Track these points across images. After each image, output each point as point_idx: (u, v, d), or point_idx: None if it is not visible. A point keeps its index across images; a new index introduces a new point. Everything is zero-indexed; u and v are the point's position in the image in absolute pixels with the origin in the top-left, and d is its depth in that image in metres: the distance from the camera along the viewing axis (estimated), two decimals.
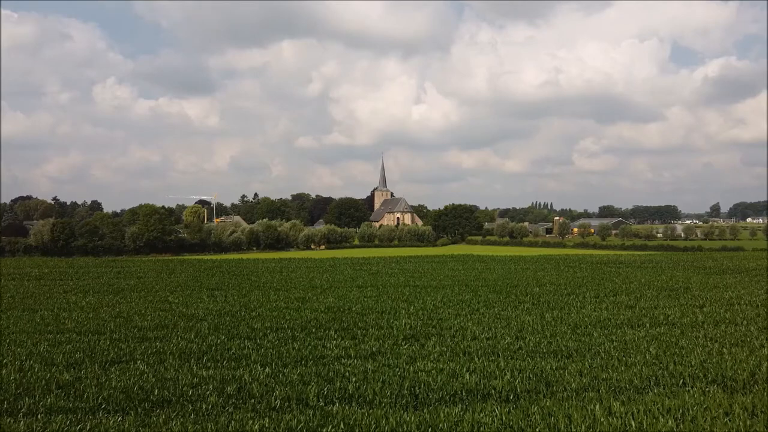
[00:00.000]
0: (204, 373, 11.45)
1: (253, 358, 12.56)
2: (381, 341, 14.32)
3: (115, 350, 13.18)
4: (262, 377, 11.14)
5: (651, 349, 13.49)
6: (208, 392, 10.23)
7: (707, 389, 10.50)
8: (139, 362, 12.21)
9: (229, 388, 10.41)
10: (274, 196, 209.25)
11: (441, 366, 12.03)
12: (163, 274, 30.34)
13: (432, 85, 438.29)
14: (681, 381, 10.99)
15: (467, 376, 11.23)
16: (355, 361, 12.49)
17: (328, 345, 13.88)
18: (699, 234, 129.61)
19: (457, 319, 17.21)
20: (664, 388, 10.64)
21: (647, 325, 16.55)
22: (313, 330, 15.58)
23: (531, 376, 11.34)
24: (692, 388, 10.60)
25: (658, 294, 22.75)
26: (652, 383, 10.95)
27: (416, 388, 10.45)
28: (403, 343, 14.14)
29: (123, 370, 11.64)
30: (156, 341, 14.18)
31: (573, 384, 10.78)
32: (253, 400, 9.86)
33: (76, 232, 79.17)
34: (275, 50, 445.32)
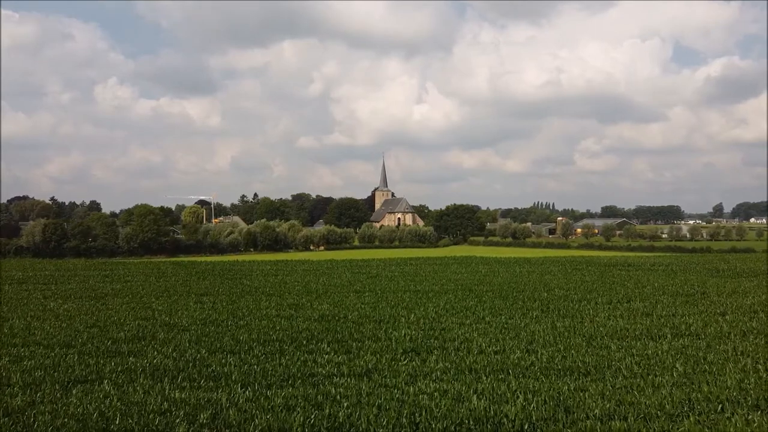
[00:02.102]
0: (177, 395, 10.11)
1: (234, 377, 11.21)
2: (378, 356, 12.97)
3: (82, 367, 11.84)
4: (241, 401, 9.80)
5: (678, 366, 12.13)
6: (178, 420, 8.91)
7: (750, 417, 9.15)
8: (105, 382, 10.87)
9: (202, 414, 9.08)
10: (275, 196, 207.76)
11: (445, 387, 10.69)
12: (151, 278, 29.00)
13: (433, 85, 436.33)
14: (719, 406, 9.63)
15: (474, 399, 9.88)
16: (349, 380, 11.15)
17: (320, 360, 12.53)
18: (705, 234, 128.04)
19: (461, 329, 15.86)
20: (700, 415, 9.29)
21: (668, 336, 15.19)
22: (304, 342, 14.23)
23: (547, 399, 9.99)
24: (733, 414, 9.25)
25: (675, 300, 21.39)
26: (685, 408, 9.59)
27: (417, 415, 9.11)
28: (402, 358, 12.79)
29: (86, 392, 10.30)
30: (129, 356, 12.84)
31: (596, 410, 9.43)
32: (228, 431, 8.53)
33: (68, 233, 77.68)
34: (276, 50, 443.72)
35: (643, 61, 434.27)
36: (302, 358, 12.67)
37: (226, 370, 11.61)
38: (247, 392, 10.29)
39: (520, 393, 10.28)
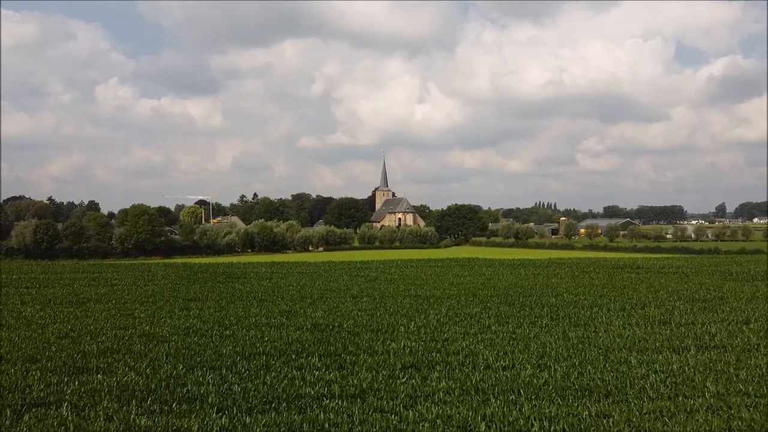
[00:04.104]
0: (143, 422, 8.87)
1: (210, 399, 9.93)
2: (374, 372, 11.71)
3: (41, 387, 10.55)
4: (215, 430, 8.55)
5: (708, 385, 10.85)
6: None
7: None
8: (65, 405, 9.59)
9: None
10: (276, 197, 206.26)
11: (448, 411, 9.42)
12: (140, 282, 27.71)
13: (435, 84, 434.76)
14: None
15: (483, 428, 8.63)
16: (340, 402, 9.88)
17: (309, 378, 11.26)
18: (710, 235, 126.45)
19: (465, 340, 14.58)
20: None
21: (692, 348, 13.88)
22: (293, 356, 12.95)
23: (566, 427, 8.73)
24: None
25: (692, 306, 20.09)
26: None
27: None
28: (401, 375, 11.51)
29: (40, 418, 9.04)
30: (97, 373, 11.55)
31: None
32: None
33: (60, 233, 76.21)
34: (278, 50, 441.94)
35: (646, 60, 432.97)
36: (290, 375, 11.41)
37: (202, 391, 10.33)
38: (223, 419, 9.03)
39: (535, 420, 9.03)
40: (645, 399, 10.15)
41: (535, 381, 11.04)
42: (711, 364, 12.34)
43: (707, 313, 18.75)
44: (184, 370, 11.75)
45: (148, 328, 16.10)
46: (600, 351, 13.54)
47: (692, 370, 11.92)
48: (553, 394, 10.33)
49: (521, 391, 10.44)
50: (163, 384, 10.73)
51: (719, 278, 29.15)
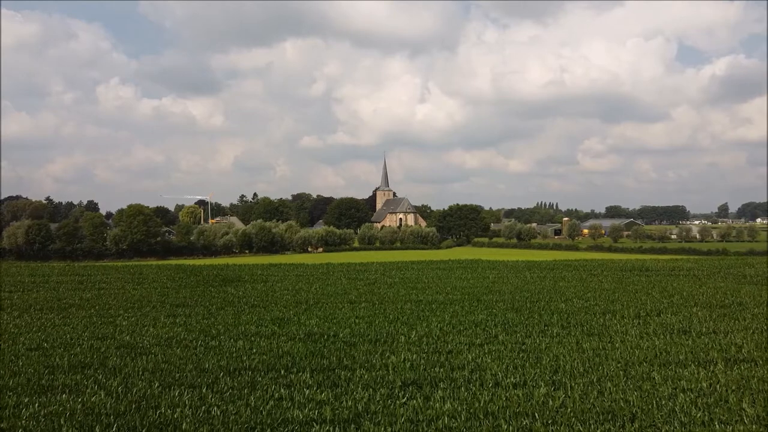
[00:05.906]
0: None
1: (185, 425, 8.76)
2: (372, 390, 10.55)
3: None
4: None
5: (745, 407, 9.66)
6: None
7: None
8: None
9: None
10: (277, 197, 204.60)
11: None
12: (128, 285, 26.55)
13: (436, 84, 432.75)
14: None
15: None
16: (331, 428, 8.73)
17: (298, 398, 10.09)
18: (715, 235, 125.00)
19: (471, 352, 13.39)
20: None
21: (719, 362, 12.68)
22: (283, 372, 11.77)
23: None
24: None
25: (711, 313, 18.89)
26: None
27: None
28: (401, 394, 10.34)
29: None
30: (62, 392, 10.38)
31: None
32: None
33: (53, 234, 74.76)
34: (279, 50, 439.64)
35: (647, 60, 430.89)
36: (277, 395, 10.24)
37: (176, 415, 9.16)
38: None
39: None
40: (676, 424, 8.98)
41: (550, 402, 9.86)
42: (743, 381, 11.15)
43: (728, 320, 17.56)
44: (159, 388, 10.58)
45: (128, 338, 14.94)
46: (619, 365, 12.36)
47: (723, 388, 10.73)
48: (572, 419, 9.17)
49: (536, 415, 9.28)
50: (134, 406, 9.56)
51: (734, 281, 27.94)
